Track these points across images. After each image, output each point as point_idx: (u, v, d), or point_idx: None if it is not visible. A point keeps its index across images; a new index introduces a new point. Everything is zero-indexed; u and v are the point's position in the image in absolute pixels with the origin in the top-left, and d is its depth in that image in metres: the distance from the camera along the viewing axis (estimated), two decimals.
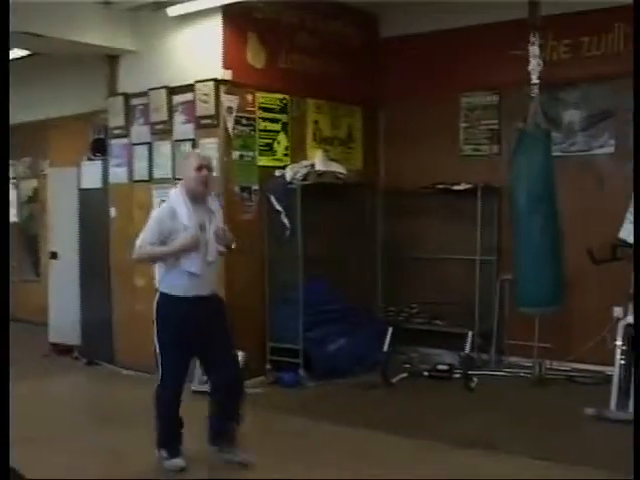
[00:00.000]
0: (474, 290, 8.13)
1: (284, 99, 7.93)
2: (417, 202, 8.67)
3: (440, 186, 8.31)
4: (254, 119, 7.61)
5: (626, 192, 6.82)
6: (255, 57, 7.59)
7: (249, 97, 7.55)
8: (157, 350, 5.11)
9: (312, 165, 7.91)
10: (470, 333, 7.87)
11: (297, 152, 8.09)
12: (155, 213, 5.24)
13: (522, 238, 7.02)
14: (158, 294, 5.15)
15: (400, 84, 8.75)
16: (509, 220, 7.76)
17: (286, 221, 7.65)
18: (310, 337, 7.61)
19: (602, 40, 7.59)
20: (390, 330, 7.92)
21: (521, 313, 7.39)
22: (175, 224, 5.02)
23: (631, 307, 6.28)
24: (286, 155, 7.96)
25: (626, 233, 6.61)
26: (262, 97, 7.69)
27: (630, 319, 6.18)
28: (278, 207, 7.68)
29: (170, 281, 5.08)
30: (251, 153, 7.60)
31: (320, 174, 7.86)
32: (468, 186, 8.13)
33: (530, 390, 7.29)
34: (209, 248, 5.10)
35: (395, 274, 8.84)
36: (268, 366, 7.67)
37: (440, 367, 7.83)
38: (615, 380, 6.15)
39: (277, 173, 7.78)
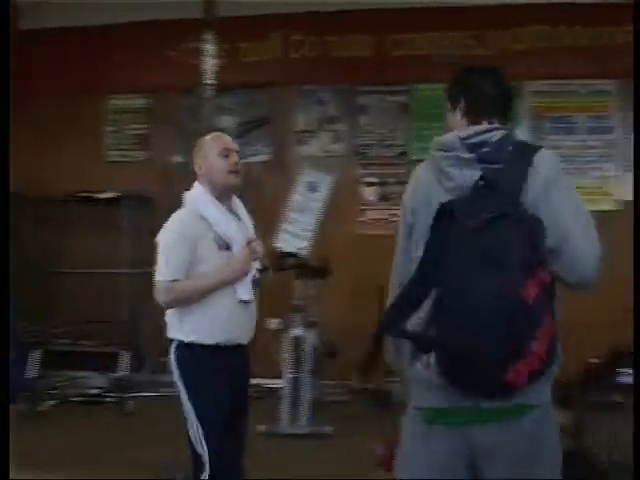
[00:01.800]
0: (125, 306, 7.60)
1: None
2: (62, 212, 7.87)
3: (83, 194, 7.69)
4: None
5: (282, 200, 6.76)
6: None
7: None
8: (195, 429, 3.53)
9: None
10: (122, 353, 7.39)
11: None
12: (170, 232, 3.46)
13: None
14: (175, 346, 3.57)
15: (41, 83, 7.98)
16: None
17: None
18: None
19: (260, 47, 7.48)
20: (34, 353, 7.20)
21: None
22: (205, 239, 3.45)
23: (297, 318, 6.16)
24: None
25: (282, 242, 6.54)
26: None
27: (297, 332, 6.07)
28: None
29: (198, 323, 3.51)
30: None
31: None
32: (114, 194, 7.60)
33: None
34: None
35: (38, 291, 7.94)
36: None
37: (91, 391, 7.25)
38: (285, 394, 6.01)
39: None
